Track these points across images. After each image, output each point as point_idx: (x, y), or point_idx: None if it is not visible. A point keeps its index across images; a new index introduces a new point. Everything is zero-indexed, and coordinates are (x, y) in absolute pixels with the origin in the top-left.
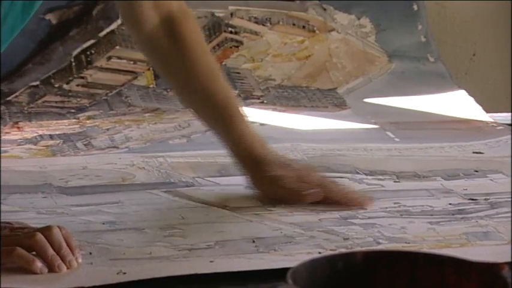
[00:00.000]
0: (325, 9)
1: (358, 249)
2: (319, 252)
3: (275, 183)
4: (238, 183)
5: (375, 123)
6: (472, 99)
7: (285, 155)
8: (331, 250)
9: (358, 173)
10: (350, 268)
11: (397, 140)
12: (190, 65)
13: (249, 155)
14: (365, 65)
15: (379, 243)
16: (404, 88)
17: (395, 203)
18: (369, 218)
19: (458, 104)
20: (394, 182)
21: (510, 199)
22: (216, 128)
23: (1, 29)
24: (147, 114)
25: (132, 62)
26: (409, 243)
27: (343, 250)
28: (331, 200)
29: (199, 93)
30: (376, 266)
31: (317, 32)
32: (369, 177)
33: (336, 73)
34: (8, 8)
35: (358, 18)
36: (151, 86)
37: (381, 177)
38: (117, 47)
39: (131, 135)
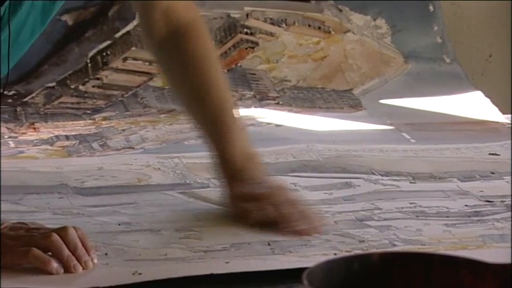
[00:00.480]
0: (340, 10)
1: (374, 251)
2: (335, 255)
3: (236, 200)
4: None
5: (390, 125)
6: (488, 100)
7: (266, 172)
8: (346, 252)
9: (373, 173)
10: (366, 269)
11: (412, 141)
12: (190, 78)
13: (230, 167)
14: (381, 66)
15: (394, 245)
16: (420, 89)
17: (411, 204)
18: (385, 220)
19: (474, 105)
20: (410, 183)
21: None
22: (207, 137)
23: (22, 30)
24: (162, 115)
25: (147, 63)
26: (424, 245)
27: (359, 252)
28: (280, 224)
29: (196, 101)
30: (391, 267)
31: (333, 33)
32: (384, 178)
33: (352, 74)
34: (29, 9)
35: (374, 19)
36: (167, 87)
37: (396, 178)
38: (133, 48)
39: (147, 136)
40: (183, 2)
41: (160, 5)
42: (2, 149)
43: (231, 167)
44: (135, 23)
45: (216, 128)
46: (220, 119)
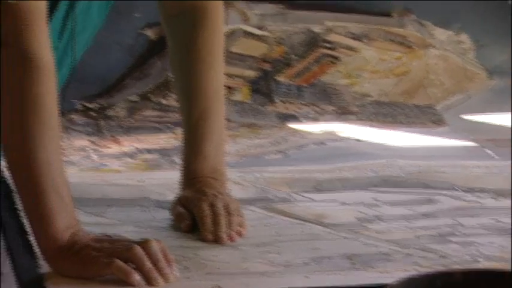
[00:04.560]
0: (423, 25)
1: (456, 267)
2: (416, 270)
3: (175, 203)
4: (334, 199)
5: (473, 141)
6: None
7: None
8: (428, 268)
9: (456, 189)
10: (448, 287)
11: (496, 157)
12: (185, 73)
13: (190, 176)
14: (464, 81)
15: (477, 261)
16: (504, 105)
17: (494, 220)
18: (467, 236)
19: None
20: (493, 199)
21: None
22: (185, 137)
23: (88, 15)
24: (243, 129)
25: (228, 77)
26: (508, 262)
27: (440, 268)
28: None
29: (185, 93)
30: (475, 285)
31: (415, 48)
32: (467, 194)
33: (434, 90)
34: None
35: (457, 34)
36: (247, 101)
37: (479, 194)
38: None
39: (227, 150)
40: None
41: None
42: (85, 162)
43: (192, 176)
44: None
45: (194, 134)
46: (202, 125)
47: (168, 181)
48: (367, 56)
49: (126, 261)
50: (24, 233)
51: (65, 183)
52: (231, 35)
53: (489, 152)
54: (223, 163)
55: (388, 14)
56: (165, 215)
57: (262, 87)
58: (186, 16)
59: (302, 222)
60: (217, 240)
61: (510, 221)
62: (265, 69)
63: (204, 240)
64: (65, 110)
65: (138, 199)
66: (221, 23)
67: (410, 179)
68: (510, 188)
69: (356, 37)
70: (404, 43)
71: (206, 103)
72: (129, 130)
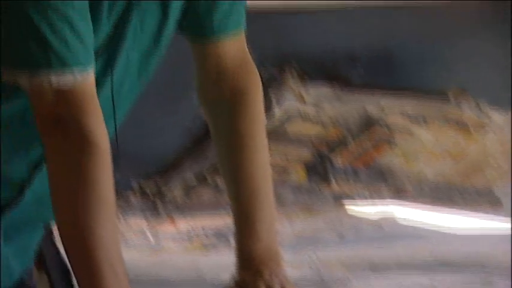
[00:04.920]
0: (480, 108)
1: None
2: None
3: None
4: (390, 281)
5: None
6: None
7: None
8: None
9: None
10: None
11: None
12: (229, 155)
13: (246, 258)
14: None
15: None
16: None
17: None
18: None
19: None
20: None
21: None
22: (236, 221)
23: (121, 88)
24: (298, 210)
25: (283, 158)
26: None
27: None
28: None
29: (232, 177)
30: None
31: (472, 130)
32: None
33: (492, 172)
34: (125, 67)
35: None
36: (303, 181)
37: None
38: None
39: (282, 231)
40: (238, 69)
41: (212, 72)
42: (141, 242)
43: (246, 257)
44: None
45: (245, 216)
46: (252, 207)
47: (223, 262)
48: (423, 138)
49: None
50: None
51: (120, 259)
52: (286, 116)
53: None
54: (276, 242)
55: (443, 93)
56: None
57: (318, 168)
58: (226, 102)
59: None
60: None
61: None
62: (321, 150)
63: None
64: (121, 189)
65: (193, 280)
66: (261, 105)
67: (467, 262)
68: None
69: (412, 119)
70: (461, 126)
71: (254, 185)
72: (185, 210)
